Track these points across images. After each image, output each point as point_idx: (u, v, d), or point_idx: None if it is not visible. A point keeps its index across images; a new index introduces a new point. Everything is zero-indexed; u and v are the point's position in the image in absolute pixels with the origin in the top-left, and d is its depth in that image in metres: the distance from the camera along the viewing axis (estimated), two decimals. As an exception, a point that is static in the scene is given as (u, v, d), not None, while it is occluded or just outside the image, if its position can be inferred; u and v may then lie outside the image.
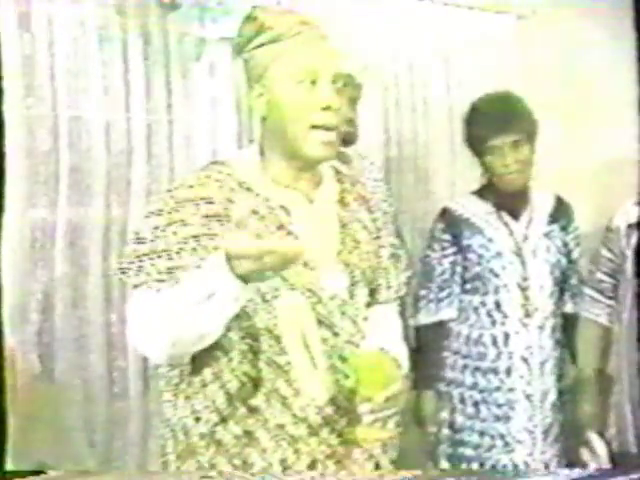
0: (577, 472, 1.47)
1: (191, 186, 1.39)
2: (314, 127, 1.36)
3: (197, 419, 1.38)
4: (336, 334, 1.41)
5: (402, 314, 1.74)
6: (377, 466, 1.45)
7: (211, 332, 1.26)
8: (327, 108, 1.36)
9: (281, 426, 1.36)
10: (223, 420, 1.37)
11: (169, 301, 1.27)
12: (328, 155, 1.41)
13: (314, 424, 1.37)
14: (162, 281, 1.33)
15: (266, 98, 1.39)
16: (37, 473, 1.58)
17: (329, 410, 1.38)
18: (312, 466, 1.37)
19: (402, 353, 1.50)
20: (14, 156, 2.03)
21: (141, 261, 1.35)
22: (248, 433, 1.36)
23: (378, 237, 1.57)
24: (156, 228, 1.36)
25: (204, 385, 1.37)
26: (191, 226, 1.35)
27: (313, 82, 1.36)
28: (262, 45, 1.37)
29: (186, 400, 1.40)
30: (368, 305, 1.52)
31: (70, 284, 2.26)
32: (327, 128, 1.37)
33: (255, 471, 1.36)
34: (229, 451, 1.37)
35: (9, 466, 1.57)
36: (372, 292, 1.54)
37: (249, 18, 1.41)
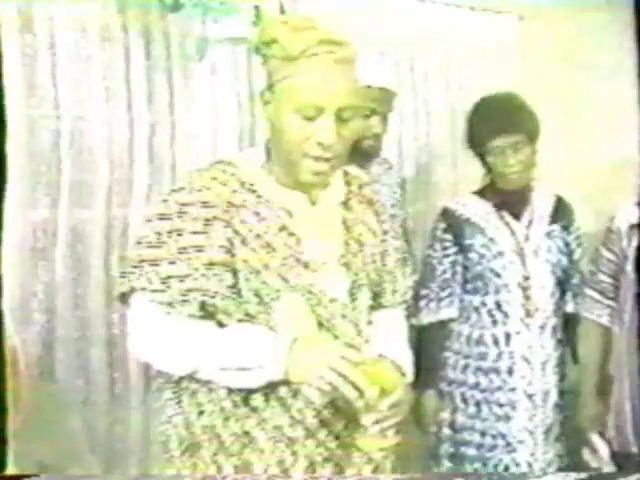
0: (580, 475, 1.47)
1: (194, 189, 1.39)
2: (307, 156, 1.36)
3: (201, 412, 1.39)
4: (336, 337, 1.40)
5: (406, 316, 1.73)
6: (376, 468, 1.44)
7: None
8: (321, 144, 1.34)
9: (279, 427, 1.37)
10: (225, 417, 1.38)
11: (199, 336, 1.35)
12: (319, 183, 1.42)
13: (311, 426, 1.37)
14: (161, 291, 1.34)
15: (273, 107, 1.38)
16: (38, 475, 1.59)
17: (327, 413, 1.38)
18: (310, 468, 1.37)
19: (406, 359, 1.49)
20: (16, 156, 2.02)
21: (142, 267, 1.36)
22: (247, 433, 1.37)
23: (384, 240, 1.56)
24: (158, 234, 1.37)
25: (209, 380, 1.38)
26: (191, 235, 1.35)
27: (313, 117, 1.34)
28: (275, 57, 1.35)
29: (191, 397, 1.41)
30: (372, 309, 1.51)
31: (71, 284, 2.26)
32: (319, 160, 1.36)
33: (254, 472, 1.36)
34: (228, 449, 1.37)
35: (10, 467, 1.57)
36: (377, 296, 1.54)
37: (270, 23, 1.39)
